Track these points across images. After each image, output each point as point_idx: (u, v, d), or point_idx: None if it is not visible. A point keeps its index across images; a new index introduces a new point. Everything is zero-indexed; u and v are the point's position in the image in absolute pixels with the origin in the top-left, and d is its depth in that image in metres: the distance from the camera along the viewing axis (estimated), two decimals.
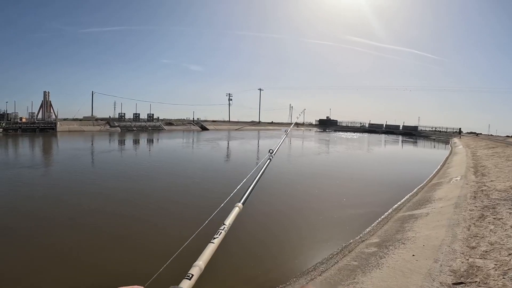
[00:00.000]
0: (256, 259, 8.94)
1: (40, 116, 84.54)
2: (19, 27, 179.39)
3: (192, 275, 1.24)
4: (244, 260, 8.90)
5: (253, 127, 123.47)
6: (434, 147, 63.95)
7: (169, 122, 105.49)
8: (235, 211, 1.93)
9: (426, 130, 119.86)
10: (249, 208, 12.10)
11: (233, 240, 10.07)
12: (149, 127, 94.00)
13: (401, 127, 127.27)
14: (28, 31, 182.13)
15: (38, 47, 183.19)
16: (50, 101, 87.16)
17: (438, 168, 26.14)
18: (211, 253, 1.45)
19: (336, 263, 7.88)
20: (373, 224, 11.33)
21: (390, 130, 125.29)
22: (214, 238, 1.55)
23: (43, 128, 74.27)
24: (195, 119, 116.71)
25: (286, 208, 14.05)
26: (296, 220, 12.45)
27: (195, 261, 1.34)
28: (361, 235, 10.29)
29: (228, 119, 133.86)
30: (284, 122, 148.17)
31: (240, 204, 2.04)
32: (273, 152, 3.47)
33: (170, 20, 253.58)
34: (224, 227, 1.68)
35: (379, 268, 6.67)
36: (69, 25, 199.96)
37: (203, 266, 1.34)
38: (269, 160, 3.18)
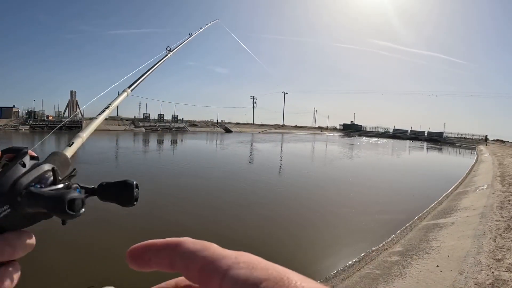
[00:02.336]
0: (277, 261, 8.88)
1: (66, 114, 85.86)
2: (48, 28, 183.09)
3: (73, 142, 1.39)
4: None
5: (277, 130, 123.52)
6: (460, 154, 62.88)
7: (193, 124, 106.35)
8: (123, 95, 2.08)
9: (451, 137, 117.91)
10: (270, 211, 12.16)
11: (255, 241, 10.09)
12: (173, 128, 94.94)
13: (426, 133, 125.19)
14: (57, 32, 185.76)
15: (67, 48, 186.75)
16: (76, 100, 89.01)
17: (463, 176, 25.65)
18: (94, 128, 1.65)
19: (357, 270, 7.82)
20: (396, 232, 11.19)
21: (415, 136, 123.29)
22: (98, 115, 1.72)
23: (69, 126, 75.29)
24: (219, 121, 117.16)
25: (309, 213, 14.00)
26: (319, 225, 12.41)
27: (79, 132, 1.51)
28: (384, 243, 10.18)
29: (251, 122, 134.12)
30: (308, 126, 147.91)
31: (128, 90, 2.20)
32: (170, 49, 3.45)
33: (192, 23, 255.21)
34: (109, 106, 1.83)
35: (402, 278, 6.60)
36: (97, 26, 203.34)
37: (85, 138, 1.52)
38: (166, 57, 3.25)
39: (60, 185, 0.73)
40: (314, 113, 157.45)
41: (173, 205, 14.17)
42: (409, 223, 12.35)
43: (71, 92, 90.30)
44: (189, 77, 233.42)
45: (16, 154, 0.71)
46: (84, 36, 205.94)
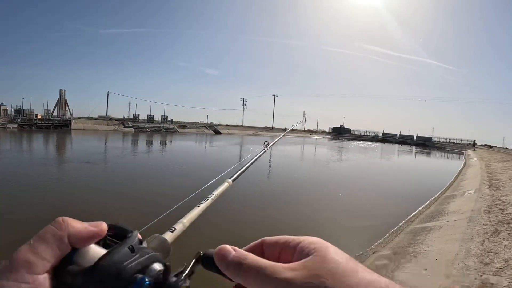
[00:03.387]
0: None
1: (55, 113, 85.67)
2: (39, 26, 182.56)
3: (175, 228, 1.26)
4: None
5: (267, 133, 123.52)
6: (448, 158, 63.49)
7: (183, 125, 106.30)
8: (224, 185, 2.00)
9: (440, 141, 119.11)
10: (259, 214, 12.11)
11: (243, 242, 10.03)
12: (163, 129, 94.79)
13: (415, 138, 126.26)
14: (47, 31, 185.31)
15: (57, 46, 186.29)
16: (66, 99, 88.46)
17: (451, 180, 25.81)
18: (196, 215, 1.50)
19: None
20: (384, 236, 11.20)
21: (404, 140, 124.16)
22: (201, 203, 1.61)
23: (57, 126, 75.22)
24: (209, 122, 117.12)
25: (298, 215, 13.99)
26: (308, 228, 12.37)
27: (180, 218, 1.37)
28: (372, 246, 10.18)
29: (241, 124, 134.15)
30: (298, 128, 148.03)
31: (230, 180, 2.14)
32: (268, 144, 3.57)
33: (185, 23, 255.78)
34: (211, 196, 1.74)
35: None
36: (88, 25, 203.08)
37: (187, 224, 1.39)
38: (263, 151, 3.29)
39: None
40: (303, 116, 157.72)
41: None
42: (397, 227, 12.38)
43: (61, 90, 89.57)
44: (180, 78, 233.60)
45: (123, 237, 0.69)
46: (75, 35, 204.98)
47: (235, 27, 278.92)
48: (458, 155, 68.47)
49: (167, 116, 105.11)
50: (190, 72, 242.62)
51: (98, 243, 0.65)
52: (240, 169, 2.44)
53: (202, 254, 0.77)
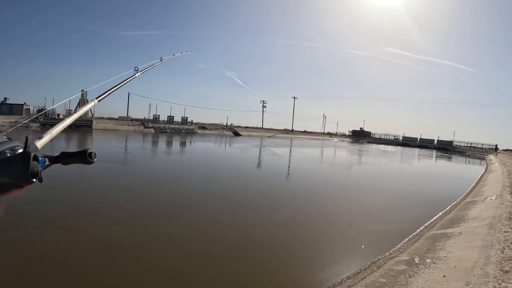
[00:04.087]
0: (284, 267, 8.93)
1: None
2: (61, 28, 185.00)
3: (43, 136, 1.62)
4: (272, 266, 8.92)
5: (286, 135, 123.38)
6: (469, 163, 62.57)
7: (203, 126, 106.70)
8: (91, 104, 2.34)
9: (461, 146, 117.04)
10: (277, 216, 12.13)
11: (261, 246, 10.10)
12: (183, 130, 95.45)
13: (435, 142, 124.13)
14: (69, 32, 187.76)
15: (78, 47, 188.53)
16: (87, 100, 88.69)
17: (472, 185, 25.45)
18: (63, 127, 1.97)
19: (363, 278, 7.79)
20: (403, 241, 11.13)
21: (424, 144, 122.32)
22: (66, 117, 1.98)
23: (79, 125, 76.03)
24: (228, 124, 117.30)
25: (318, 218, 14.02)
26: (327, 231, 12.38)
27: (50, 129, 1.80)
28: (390, 251, 10.13)
29: (261, 126, 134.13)
30: (317, 131, 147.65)
31: (96, 100, 2.44)
32: (138, 70, 3.60)
33: (206, 26, 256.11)
34: (77, 111, 2.11)
35: None
36: (109, 27, 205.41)
37: (54, 134, 1.80)
38: (133, 76, 3.43)
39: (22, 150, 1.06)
40: (323, 119, 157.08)
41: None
42: (417, 232, 12.29)
43: (82, 91, 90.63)
44: (199, 80, 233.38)
45: None
46: (96, 37, 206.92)
47: (256, 30, 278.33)
48: (479, 160, 67.51)
49: (187, 117, 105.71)
50: (210, 74, 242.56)
51: None
52: (107, 91, 2.64)
53: (61, 152, 1.33)
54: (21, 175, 0.99)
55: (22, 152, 1.06)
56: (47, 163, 1.24)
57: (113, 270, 8.14)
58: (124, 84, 3.05)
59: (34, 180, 1.02)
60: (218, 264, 8.89)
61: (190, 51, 6.31)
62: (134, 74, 3.35)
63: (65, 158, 1.34)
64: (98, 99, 2.44)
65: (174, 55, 5.12)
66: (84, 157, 1.35)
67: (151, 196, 15.95)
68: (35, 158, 1.03)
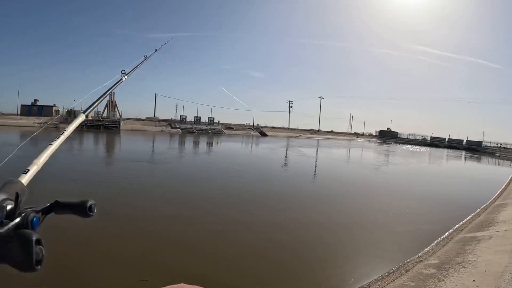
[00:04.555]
0: (310, 270, 8.94)
1: (105, 114, 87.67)
2: (90, 32, 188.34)
3: (29, 170, 1.37)
4: (298, 268, 8.95)
5: (312, 135, 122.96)
6: (499, 164, 61.54)
7: (229, 127, 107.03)
8: (78, 120, 2.12)
9: (490, 146, 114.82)
10: (303, 218, 12.14)
11: (286, 249, 10.14)
12: (209, 130, 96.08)
13: (464, 142, 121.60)
14: (97, 36, 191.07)
15: (106, 50, 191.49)
16: (115, 101, 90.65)
17: (502, 187, 25.03)
18: (50, 154, 1.60)
19: (391, 282, 7.80)
20: (432, 244, 11.07)
21: (453, 144, 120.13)
22: (53, 141, 1.69)
23: (107, 126, 77.38)
24: (255, 124, 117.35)
25: (343, 219, 14.02)
26: (353, 233, 12.36)
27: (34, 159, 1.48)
28: (419, 254, 10.07)
29: (287, 126, 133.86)
30: (344, 131, 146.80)
31: (83, 115, 2.25)
32: (125, 73, 3.52)
33: (228, 27, 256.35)
34: (64, 132, 1.82)
35: None
36: (136, 31, 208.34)
37: (40, 164, 1.47)
38: (120, 80, 3.29)
39: (17, 220, 0.89)
40: (350, 119, 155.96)
41: None
42: (446, 235, 12.19)
43: (110, 93, 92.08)
44: (225, 81, 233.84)
45: None
46: (124, 40, 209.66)
47: (279, 29, 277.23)
48: (509, 162, 66.46)
49: (213, 118, 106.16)
50: (235, 75, 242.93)
51: None
52: (94, 102, 2.53)
53: (55, 201, 1.08)
54: (23, 264, 0.87)
55: (22, 235, 0.89)
56: (41, 219, 1.02)
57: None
58: (111, 91, 3.04)
59: (39, 267, 0.88)
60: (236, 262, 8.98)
61: (168, 41, 6.40)
62: (121, 78, 3.30)
63: (59, 208, 1.11)
64: (85, 113, 2.35)
65: (156, 50, 5.17)
66: (82, 210, 1.12)
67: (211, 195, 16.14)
68: (38, 242, 0.89)
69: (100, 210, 1.11)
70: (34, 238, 0.86)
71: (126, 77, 3.36)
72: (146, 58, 4.37)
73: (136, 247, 9.59)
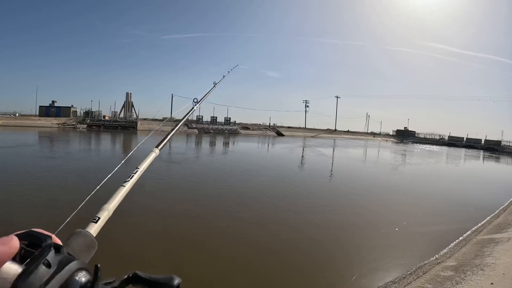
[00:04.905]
0: (325, 271, 8.94)
1: (122, 115, 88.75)
2: (103, 32, 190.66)
3: (99, 218, 1.23)
4: (312, 270, 8.96)
5: (329, 135, 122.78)
6: None
7: (245, 127, 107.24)
8: (152, 156, 1.97)
9: (510, 146, 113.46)
10: (319, 219, 12.14)
11: (300, 250, 10.14)
12: (226, 130, 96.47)
13: (482, 142, 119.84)
14: (111, 37, 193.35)
15: (119, 50, 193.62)
16: (132, 102, 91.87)
17: None
18: (122, 197, 1.44)
19: (408, 283, 7.77)
20: (450, 246, 10.99)
21: (471, 144, 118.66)
22: (126, 182, 1.55)
23: (124, 126, 78.33)
24: (271, 124, 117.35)
25: (359, 220, 13.96)
26: (368, 234, 12.30)
27: (104, 204, 1.33)
28: (437, 256, 10.01)
29: (304, 126, 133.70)
30: (360, 131, 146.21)
31: (157, 150, 2.09)
32: (197, 101, 3.64)
33: (242, 27, 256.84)
34: (137, 171, 1.69)
35: None
36: (149, 31, 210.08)
37: (112, 210, 1.34)
38: (192, 109, 3.43)
39: None
40: (366, 118, 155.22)
41: None
42: (464, 236, 12.10)
43: (127, 93, 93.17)
44: (241, 80, 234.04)
45: (39, 246, 0.66)
46: (137, 41, 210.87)
47: (295, 29, 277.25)
48: None
49: (229, 118, 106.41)
50: (252, 74, 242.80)
51: (14, 258, 0.62)
52: (165, 138, 2.39)
53: (134, 274, 0.81)
54: None
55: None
56: None
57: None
58: (184, 121, 3.16)
59: None
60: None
61: (234, 67, 6.45)
62: (193, 107, 3.44)
63: (139, 284, 0.80)
64: (159, 147, 2.16)
65: (223, 76, 5.26)
66: None
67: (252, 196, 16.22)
68: None
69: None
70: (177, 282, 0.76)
71: (198, 105, 3.51)
72: (215, 85, 4.52)
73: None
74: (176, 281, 0.78)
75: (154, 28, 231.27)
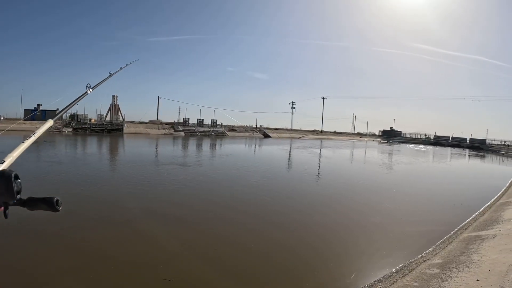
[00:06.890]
0: (311, 270, 8.89)
1: (108, 118, 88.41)
2: (90, 36, 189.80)
3: (4, 161, 1.65)
4: (298, 269, 8.89)
5: (316, 136, 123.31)
6: (503, 162, 61.41)
7: (232, 128, 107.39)
8: (48, 124, 2.45)
9: (494, 144, 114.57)
10: (306, 218, 12.10)
11: (287, 248, 10.09)
12: (212, 132, 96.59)
13: (468, 140, 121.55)
14: (99, 40, 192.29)
15: (108, 54, 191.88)
16: (118, 105, 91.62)
17: (507, 185, 24.86)
18: (23, 149, 1.89)
19: (395, 282, 7.76)
20: (436, 244, 10.99)
21: (456, 143, 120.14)
22: (26, 140, 1.98)
23: (110, 129, 78.05)
24: (258, 126, 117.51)
25: (345, 220, 13.95)
26: (355, 233, 12.29)
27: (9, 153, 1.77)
28: (423, 254, 10.01)
29: (290, 127, 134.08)
30: (347, 132, 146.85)
31: (51, 120, 2.55)
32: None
33: (229, 29, 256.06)
34: (35, 133, 2.12)
35: None
36: (139, 34, 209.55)
37: (14, 158, 1.76)
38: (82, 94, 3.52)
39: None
40: (353, 119, 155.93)
41: None
42: (450, 234, 12.11)
43: (113, 96, 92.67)
44: (228, 83, 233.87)
45: None
46: (124, 43, 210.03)
47: (281, 31, 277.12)
48: None
49: (216, 120, 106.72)
50: (239, 76, 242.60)
51: None
52: (62, 110, 2.94)
53: (29, 197, 1.41)
54: (5, 192, 1.18)
55: (1, 170, 1.25)
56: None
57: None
58: (75, 103, 3.25)
59: (19, 196, 1.23)
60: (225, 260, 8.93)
61: (132, 62, 6.62)
62: (87, 91, 3.51)
63: (31, 203, 1.38)
64: (54, 119, 2.63)
65: (120, 68, 5.42)
66: (50, 204, 1.39)
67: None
68: (16, 177, 1.24)
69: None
70: (13, 172, 1.24)
71: (91, 90, 3.60)
72: (110, 75, 4.73)
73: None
74: (56, 198, 1.40)
75: (143, 31, 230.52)
